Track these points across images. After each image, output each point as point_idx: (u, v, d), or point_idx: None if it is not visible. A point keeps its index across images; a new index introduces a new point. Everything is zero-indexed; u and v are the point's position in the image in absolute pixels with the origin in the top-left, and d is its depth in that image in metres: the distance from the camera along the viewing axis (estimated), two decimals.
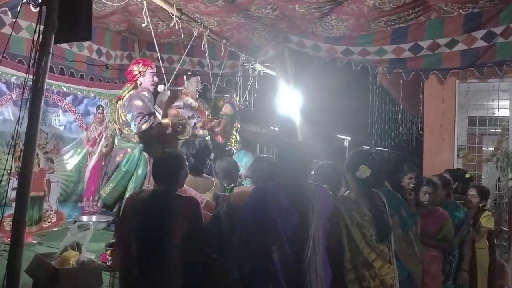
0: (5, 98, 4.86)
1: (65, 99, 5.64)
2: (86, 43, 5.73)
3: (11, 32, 3.53)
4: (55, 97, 5.51)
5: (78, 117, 5.80)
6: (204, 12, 4.78)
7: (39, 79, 2.27)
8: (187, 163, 2.69)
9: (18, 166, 4.92)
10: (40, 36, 2.34)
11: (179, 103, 4.77)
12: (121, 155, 4.02)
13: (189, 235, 2.45)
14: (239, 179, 3.50)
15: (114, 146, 4.22)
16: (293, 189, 2.34)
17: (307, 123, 6.46)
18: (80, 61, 5.11)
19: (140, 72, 4.18)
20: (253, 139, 12.63)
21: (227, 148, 5.32)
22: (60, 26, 2.38)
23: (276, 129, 12.77)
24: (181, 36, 4.30)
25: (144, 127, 3.86)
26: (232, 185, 3.14)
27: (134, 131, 3.95)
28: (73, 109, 5.74)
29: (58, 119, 5.54)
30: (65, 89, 5.64)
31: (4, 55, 4.20)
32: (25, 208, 2.29)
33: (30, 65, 2.30)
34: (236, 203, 2.47)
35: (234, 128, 5.60)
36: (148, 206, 2.47)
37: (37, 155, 5.24)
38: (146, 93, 4.01)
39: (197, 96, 5.06)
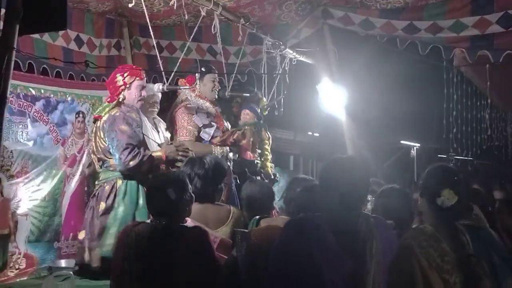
0: None
1: (35, 105, 5.74)
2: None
3: None
4: (21, 103, 5.62)
5: (51, 128, 5.89)
6: None
7: (0, 83, 2.33)
8: (191, 186, 2.72)
9: None
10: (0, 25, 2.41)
11: (192, 106, 4.80)
12: (111, 187, 4.08)
13: (197, 279, 2.47)
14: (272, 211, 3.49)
15: (97, 182, 4.28)
16: (343, 224, 2.33)
17: (358, 127, 6.40)
18: (53, 58, 5.19)
19: (125, 83, 4.20)
20: (285, 149, 12.64)
21: (261, 169, 5.32)
22: (26, 12, 2.44)
23: (316, 135, 12.73)
24: (184, 16, 4.33)
25: (132, 163, 3.90)
26: (258, 216, 3.14)
27: (118, 167, 4.00)
28: (45, 118, 5.83)
29: (26, 132, 5.63)
30: (34, 92, 5.74)
31: None
32: None
33: None
34: (260, 243, 2.47)
35: (265, 142, 5.59)
36: (144, 245, 2.50)
37: (0, 180, 5.35)
38: (134, 115, 4.05)
39: (216, 98, 5.09)
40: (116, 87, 4.22)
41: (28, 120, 5.67)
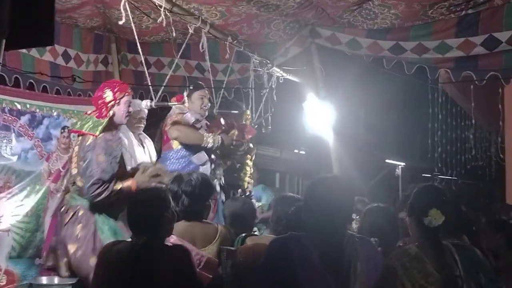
0: None
1: (20, 119, 5.71)
2: None
3: None
4: (6, 117, 5.59)
5: (36, 143, 5.86)
6: (202, 1, 4.87)
7: None
8: (178, 203, 2.70)
9: None
10: None
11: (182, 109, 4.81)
12: (71, 214, 4.03)
13: None
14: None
15: (64, 200, 4.22)
16: (327, 244, 2.33)
17: (344, 145, 6.42)
18: (39, 72, 5.18)
19: (115, 99, 4.12)
20: (271, 166, 12.64)
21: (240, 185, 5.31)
22: (13, 28, 2.43)
23: (302, 153, 12.76)
24: (172, 34, 4.34)
25: (99, 198, 3.85)
26: (244, 234, 3.13)
27: (86, 197, 3.94)
28: (30, 132, 5.80)
29: (10, 147, 5.59)
30: (19, 106, 5.72)
31: None
32: None
33: None
34: (246, 261, 2.46)
35: (247, 157, 5.59)
36: (124, 263, 2.47)
37: None
38: (114, 144, 3.98)
39: (205, 115, 5.11)
40: (105, 103, 4.12)
41: (13, 134, 5.63)
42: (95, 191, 3.84)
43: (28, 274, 5.78)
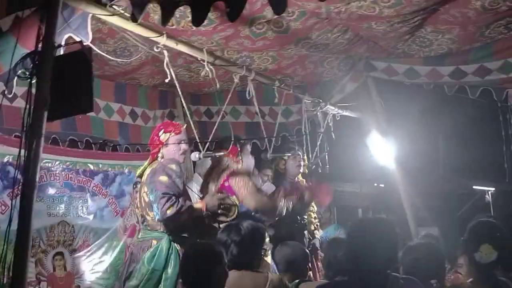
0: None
1: (93, 179, 6.03)
2: (116, 106, 6.17)
3: None
4: (81, 179, 5.91)
5: (110, 201, 6.13)
6: (251, 49, 4.95)
7: (29, 169, 2.45)
8: (227, 253, 2.70)
9: (39, 272, 5.40)
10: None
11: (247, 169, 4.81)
12: (145, 249, 4.11)
13: None
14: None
15: (136, 240, 4.32)
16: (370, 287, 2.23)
17: (423, 176, 6.19)
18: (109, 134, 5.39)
19: (161, 142, 4.26)
20: (352, 202, 12.38)
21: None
22: (54, 99, 2.60)
23: (382, 185, 12.43)
24: (216, 86, 4.45)
25: (169, 212, 3.87)
26: (297, 280, 3.07)
27: (157, 217, 4.00)
28: (103, 191, 6.09)
29: (86, 206, 5.90)
30: (92, 167, 6.04)
31: None
32: None
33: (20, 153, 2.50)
34: None
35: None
36: None
37: (63, 255, 5.57)
38: (174, 166, 4.08)
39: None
40: (154, 146, 4.30)
41: (88, 194, 5.94)
42: (164, 205, 3.87)
43: None
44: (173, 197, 3.93)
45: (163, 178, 3.99)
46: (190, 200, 4.30)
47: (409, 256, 2.87)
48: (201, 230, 4.05)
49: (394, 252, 2.37)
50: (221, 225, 4.00)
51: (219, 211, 4.11)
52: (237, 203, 4.18)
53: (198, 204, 4.13)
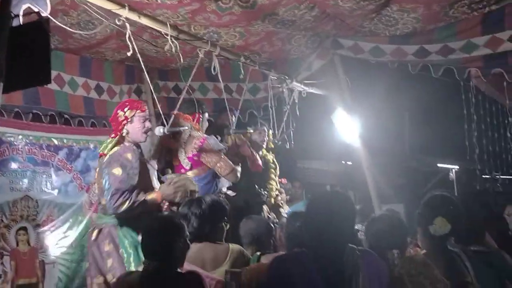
0: None
1: (57, 154, 5.95)
2: (81, 80, 6.08)
3: None
4: (45, 153, 5.83)
5: (75, 176, 6.07)
6: (218, 24, 4.93)
7: None
8: (188, 226, 2.72)
9: (2, 246, 5.35)
10: None
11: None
12: (96, 232, 4.06)
13: None
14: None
15: (91, 225, 4.29)
16: (328, 260, 2.29)
17: (389, 153, 6.28)
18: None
19: (126, 118, 4.18)
20: (321, 179, 12.52)
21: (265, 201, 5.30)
22: (11, 71, 2.55)
23: (349, 163, 12.59)
24: (180, 61, 4.42)
25: (122, 208, 3.84)
26: (259, 253, 3.12)
27: (109, 211, 3.95)
28: (68, 166, 6.03)
29: (50, 181, 5.83)
30: (56, 142, 5.96)
31: None
32: None
33: None
34: (250, 283, 2.45)
35: (271, 171, 5.58)
36: None
37: (26, 230, 5.52)
38: (129, 156, 3.99)
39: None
40: (118, 122, 4.21)
41: (52, 169, 5.87)
42: (115, 202, 3.83)
43: None
44: (126, 193, 3.87)
45: (117, 171, 3.91)
46: (151, 185, 4.23)
47: (373, 227, 2.95)
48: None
49: (351, 225, 2.43)
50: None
51: (176, 200, 4.02)
52: (196, 189, 4.12)
53: (153, 195, 4.04)
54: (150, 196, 4.00)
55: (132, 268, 3.89)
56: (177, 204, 3.99)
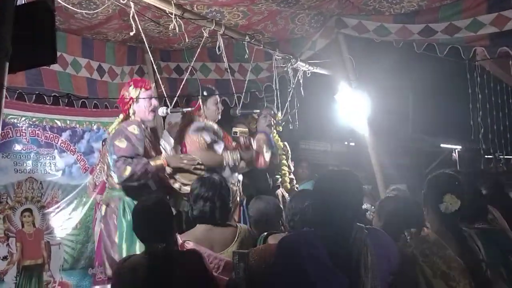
0: None
1: (61, 136, 5.94)
2: (83, 61, 6.05)
3: None
4: (48, 135, 5.82)
5: (79, 157, 6.07)
6: (222, 3, 4.89)
7: None
8: (196, 209, 2.71)
9: (7, 228, 5.37)
10: None
11: (198, 125, 4.82)
12: (104, 207, 4.14)
13: None
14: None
15: (100, 201, 4.33)
16: (335, 239, 2.28)
17: (390, 132, 6.28)
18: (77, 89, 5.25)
19: (131, 98, 4.20)
20: (323, 160, 12.54)
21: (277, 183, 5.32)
22: (16, 50, 2.53)
23: (352, 144, 12.60)
24: (185, 41, 4.39)
25: (127, 173, 3.84)
26: (266, 233, 3.12)
27: (116, 180, 4.00)
28: (71, 147, 6.02)
29: (54, 163, 5.83)
30: (60, 124, 5.95)
31: None
32: None
33: None
34: (259, 263, 2.45)
35: (282, 157, 5.59)
36: (137, 275, 2.51)
37: (31, 211, 5.54)
38: (133, 129, 4.03)
39: (219, 118, 5.12)
40: (124, 103, 4.26)
41: (56, 151, 5.87)
42: (120, 167, 3.87)
43: (82, 285, 6.01)
44: (129, 159, 3.90)
45: (121, 143, 3.96)
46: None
47: (389, 206, 2.95)
48: (164, 191, 4.05)
49: (359, 203, 2.43)
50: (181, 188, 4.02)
51: (182, 165, 4.08)
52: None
53: (159, 160, 4.07)
54: (156, 161, 4.04)
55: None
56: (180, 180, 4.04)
